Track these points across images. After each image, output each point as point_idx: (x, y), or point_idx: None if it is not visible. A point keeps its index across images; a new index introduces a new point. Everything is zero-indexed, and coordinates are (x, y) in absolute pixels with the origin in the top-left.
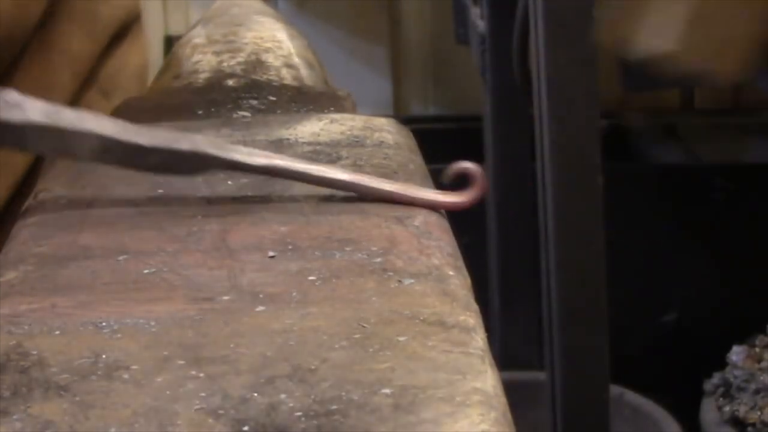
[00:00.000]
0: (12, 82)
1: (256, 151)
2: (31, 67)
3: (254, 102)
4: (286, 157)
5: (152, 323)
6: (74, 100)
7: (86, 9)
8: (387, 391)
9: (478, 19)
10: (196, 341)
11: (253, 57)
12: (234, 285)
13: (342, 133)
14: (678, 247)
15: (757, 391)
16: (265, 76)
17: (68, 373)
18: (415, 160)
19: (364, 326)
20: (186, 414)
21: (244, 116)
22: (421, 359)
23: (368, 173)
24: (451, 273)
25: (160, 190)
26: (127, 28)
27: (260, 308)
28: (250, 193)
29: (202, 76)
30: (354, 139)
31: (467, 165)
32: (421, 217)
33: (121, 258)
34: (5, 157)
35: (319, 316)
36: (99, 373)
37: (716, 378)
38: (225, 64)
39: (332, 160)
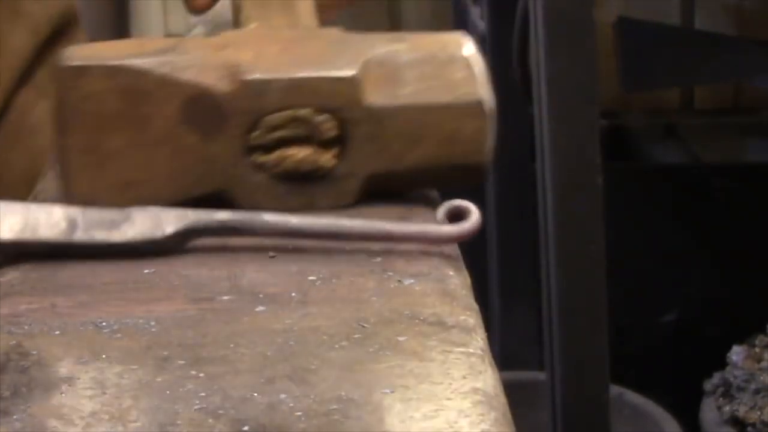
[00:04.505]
0: None
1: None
2: None
3: None
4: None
5: (152, 323)
6: (9, 99)
7: (15, 7)
8: (387, 391)
9: (478, 19)
10: (196, 341)
11: None
12: (234, 285)
13: None
14: (678, 247)
15: (757, 391)
16: None
17: None
18: None
19: (364, 326)
20: (186, 414)
21: None
22: (421, 359)
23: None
24: (451, 273)
25: None
26: (64, 28)
27: (260, 308)
28: None
29: None
30: None
31: (461, 203)
32: (421, 217)
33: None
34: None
35: (319, 316)
36: None
37: (716, 378)
38: None
39: None
